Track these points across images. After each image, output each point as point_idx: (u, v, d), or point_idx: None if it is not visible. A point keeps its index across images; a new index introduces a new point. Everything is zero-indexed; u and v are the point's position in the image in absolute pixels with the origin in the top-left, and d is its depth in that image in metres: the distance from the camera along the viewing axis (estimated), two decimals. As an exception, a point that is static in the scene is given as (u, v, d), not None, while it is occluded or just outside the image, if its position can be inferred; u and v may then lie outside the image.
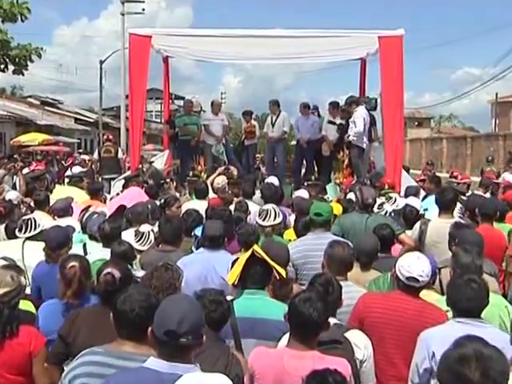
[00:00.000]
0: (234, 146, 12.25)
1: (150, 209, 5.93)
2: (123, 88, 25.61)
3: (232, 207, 6.41)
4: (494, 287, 4.03)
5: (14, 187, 9.43)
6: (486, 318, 3.14)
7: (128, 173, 9.62)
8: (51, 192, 8.06)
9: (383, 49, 9.03)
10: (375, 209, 5.97)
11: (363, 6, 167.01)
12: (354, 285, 3.94)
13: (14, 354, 3.10)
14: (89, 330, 3.11)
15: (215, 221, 4.77)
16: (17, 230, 5.03)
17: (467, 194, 7.92)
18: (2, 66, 16.78)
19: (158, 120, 43.30)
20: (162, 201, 6.71)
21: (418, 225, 5.45)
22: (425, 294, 3.70)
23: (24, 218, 5.23)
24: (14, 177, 10.13)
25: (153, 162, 10.59)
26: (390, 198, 6.76)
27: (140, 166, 9.56)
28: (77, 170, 12.69)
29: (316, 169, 11.45)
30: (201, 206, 6.31)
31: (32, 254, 4.66)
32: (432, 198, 7.19)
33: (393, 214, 6.29)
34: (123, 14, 28.87)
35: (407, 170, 10.78)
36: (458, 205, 5.84)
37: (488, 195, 8.29)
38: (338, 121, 10.46)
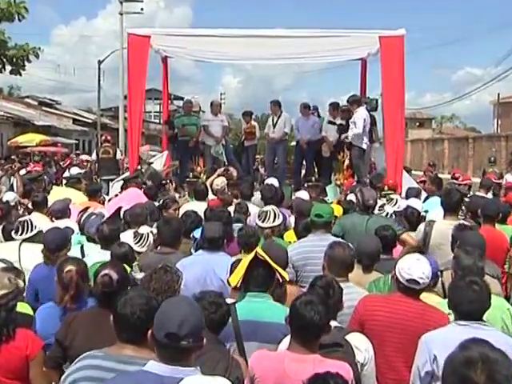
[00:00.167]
0: (234, 147, 12.24)
1: (148, 210, 5.93)
2: (122, 88, 25.60)
3: (232, 208, 6.41)
4: (497, 289, 4.03)
5: (11, 188, 9.44)
6: (488, 321, 3.14)
7: (127, 174, 9.61)
8: (49, 193, 8.05)
9: (384, 49, 9.04)
10: (376, 210, 5.98)
11: (364, 5, 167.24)
12: (355, 286, 3.94)
13: (11, 357, 3.10)
14: (86, 333, 3.10)
15: (214, 222, 4.77)
16: (13, 232, 5.03)
17: (468, 196, 7.93)
18: (0, 66, 16.78)
19: (157, 121, 43.28)
20: (160, 202, 6.72)
21: (422, 226, 5.43)
22: (426, 297, 3.70)
23: (20, 219, 5.22)
24: (12, 178, 10.15)
25: (152, 163, 10.58)
26: (391, 199, 6.76)
27: (139, 167, 9.56)
28: (75, 171, 12.69)
29: (316, 170, 11.46)
30: (200, 207, 6.31)
31: (29, 256, 4.66)
32: (433, 199, 7.21)
33: (394, 216, 6.30)
34: (122, 14, 28.86)
35: (409, 171, 10.79)
36: (459, 206, 5.84)
37: (489, 196, 8.29)
38: (338, 121, 10.47)
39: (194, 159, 10.35)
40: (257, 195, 7.39)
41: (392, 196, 7.01)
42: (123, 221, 5.69)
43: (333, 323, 3.01)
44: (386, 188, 7.95)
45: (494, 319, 3.41)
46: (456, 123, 67.18)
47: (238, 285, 3.39)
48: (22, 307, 3.56)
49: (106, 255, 4.37)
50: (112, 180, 9.97)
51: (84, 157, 19.08)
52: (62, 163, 18.87)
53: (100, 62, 33.80)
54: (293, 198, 7.97)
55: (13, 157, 17.06)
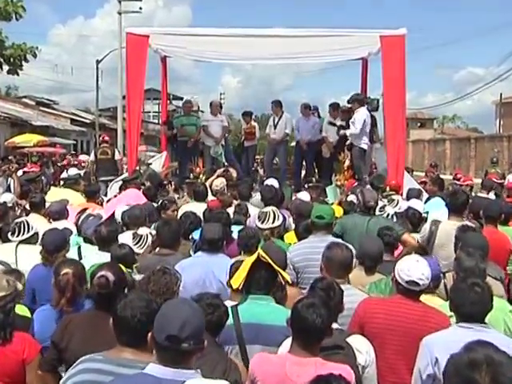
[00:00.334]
0: (234, 148, 12.24)
1: (147, 211, 5.93)
2: (120, 88, 25.60)
3: (231, 210, 6.41)
4: (500, 291, 4.02)
5: (8, 189, 9.43)
6: (490, 323, 3.14)
7: (125, 174, 9.61)
8: (46, 194, 8.05)
9: (385, 48, 9.05)
10: (377, 211, 5.98)
11: (364, 4, 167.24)
12: (354, 288, 3.94)
13: (7, 361, 3.09)
14: (82, 335, 3.09)
15: (214, 224, 4.76)
16: (9, 234, 5.03)
17: (470, 196, 7.91)
18: (-3, 66, 16.80)
19: (156, 121, 43.30)
20: (159, 203, 6.71)
21: (427, 225, 5.41)
22: (428, 299, 3.70)
23: (17, 220, 5.23)
24: (9, 179, 10.13)
25: (150, 163, 10.58)
26: (392, 200, 6.76)
27: (137, 167, 9.56)
28: (73, 171, 12.68)
29: (316, 171, 11.46)
30: (199, 208, 6.31)
31: (26, 258, 4.66)
32: (435, 200, 7.21)
33: (395, 217, 6.30)
34: (120, 13, 28.84)
35: (410, 172, 10.79)
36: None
37: (491, 196, 8.29)
38: (339, 122, 10.46)
39: (193, 160, 10.34)
40: (256, 196, 7.38)
41: (393, 197, 7.02)
42: (122, 222, 5.69)
43: (334, 325, 3.01)
44: (388, 189, 7.96)
45: (496, 321, 3.41)
46: (458, 123, 67.19)
47: (240, 287, 3.38)
48: (20, 309, 3.56)
49: (103, 257, 4.37)
50: (110, 181, 9.96)
51: (82, 157, 19.08)
52: (59, 164, 18.87)
53: (98, 62, 33.81)
54: (293, 198, 7.97)
55: (10, 157, 17.06)
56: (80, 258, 4.68)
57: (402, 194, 7.88)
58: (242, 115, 12.11)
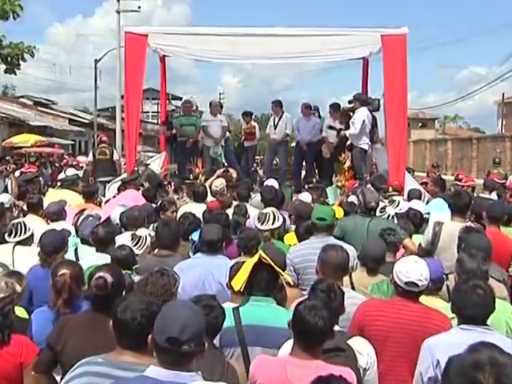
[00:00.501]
0: (234, 148, 12.23)
1: (145, 212, 5.93)
2: (119, 88, 25.52)
3: (231, 210, 6.41)
4: (503, 293, 4.02)
5: (5, 190, 9.42)
6: (492, 325, 3.14)
7: (124, 175, 9.61)
8: (44, 195, 8.05)
9: (386, 48, 9.05)
10: (377, 212, 5.98)
11: (365, 3, 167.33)
12: (352, 291, 3.93)
13: (5, 364, 3.09)
14: (79, 337, 3.08)
15: (213, 225, 4.75)
16: (6, 235, 5.03)
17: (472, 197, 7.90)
18: (-6, 65, 16.80)
19: (155, 121, 43.31)
20: (158, 204, 6.71)
21: (431, 226, 5.41)
22: (430, 301, 3.70)
23: (14, 221, 5.23)
24: (6, 179, 10.12)
25: (148, 164, 10.58)
26: (393, 201, 6.76)
27: (135, 168, 9.55)
28: (71, 172, 12.68)
29: (317, 171, 11.45)
30: (199, 209, 6.31)
31: (23, 259, 4.66)
32: (436, 201, 7.21)
33: (395, 218, 6.29)
34: (119, 12, 28.83)
35: (412, 173, 10.78)
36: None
37: (493, 196, 8.28)
38: (338, 126, 10.43)
39: (193, 160, 10.34)
40: (256, 197, 7.38)
41: (394, 198, 7.02)
42: (120, 223, 5.69)
43: (335, 327, 3.01)
44: (390, 189, 7.96)
45: (498, 323, 3.41)
46: (459, 123, 67.13)
47: (242, 289, 3.38)
48: (19, 311, 3.56)
49: (100, 258, 4.36)
50: (109, 181, 9.96)
51: (80, 158, 19.07)
52: (57, 164, 18.86)
53: (97, 61, 33.84)
54: (293, 199, 7.96)
55: (7, 158, 17.05)
56: (77, 259, 4.68)
57: (403, 195, 7.87)
58: (242, 115, 12.10)
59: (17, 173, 11.57)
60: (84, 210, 6.24)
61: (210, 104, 11.36)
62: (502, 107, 41.86)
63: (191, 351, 2.21)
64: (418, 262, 3.57)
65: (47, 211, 6.29)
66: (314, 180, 10.60)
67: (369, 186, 8.09)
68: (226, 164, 10.70)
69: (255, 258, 3.38)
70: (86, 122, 37.02)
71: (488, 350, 1.99)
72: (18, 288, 3.54)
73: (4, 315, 3.17)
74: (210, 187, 7.88)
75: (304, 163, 11.44)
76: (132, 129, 9.55)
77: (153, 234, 5.15)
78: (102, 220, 5.61)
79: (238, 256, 4.68)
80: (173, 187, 8.70)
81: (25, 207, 7.09)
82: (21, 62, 17.12)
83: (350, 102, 10.08)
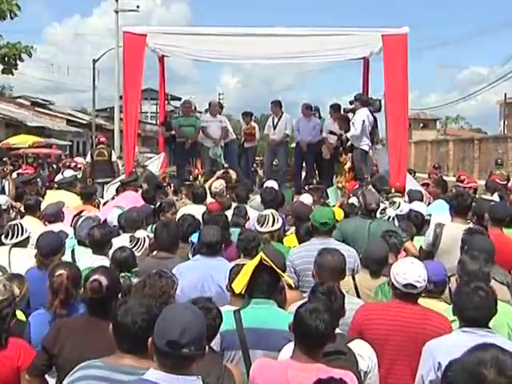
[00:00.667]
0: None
1: (144, 214, 5.93)
2: (117, 88, 25.61)
3: (231, 212, 6.41)
4: (506, 296, 4.01)
5: (2, 191, 9.41)
6: (493, 327, 3.14)
7: (122, 176, 9.61)
8: (42, 197, 8.05)
9: (387, 47, 9.05)
10: (378, 214, 5.98)
11: (365, 3, 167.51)
12: (350, 295, 3.93)
13: (2, 367, 3.09)
14: (76, 340, 3.07)
15: (212, 226, 4.75)
16: (3, 237, 5.02)
17: (474, 198, 7.90)
18: (-9, 66, 16.80)
19: (154, 121, 43.35)
20: (157, 206, 6.70)
21: (432, 228, 5.41)
22: (431, 304, 3.70)
23: (10, 223, 5.22)
24: (3, 180, 10.12)
25: (146, 165, 10.57)
26: (394, 202, 6.76)
27: (134, 169, 9.55)
28: (68, 173, 12.68)
29: (317, 172, 11.45)
30: (198, 210, 6.30)
31: (19, 261, 4.65)
32: (438, 202, 7.20)
33: (396, 219, 6.29)
34: (117, 12, 28.92)
35: (413, 174, 10.77)
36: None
37: (495, 197, 8.28)
38: (339, 131, 10.42)
39: (192, 161, 10.34)
40: (256, 199, 7.38)
41: (395, 199, 7.01)
42: (118, 225, 5.69)
43: (335, 330, 3.01)
44: (393, 190, 7.95)
45: (501, 325, 3.41)
46: (461, 124, 67.19)
47: (243, 291, 3.37)
48: (19, 314, 3.56)
49: (97, 260, 4.36)
50: (107, 183, 9.96)
51: (78, 159, 19.05)
52: (54, 166, 18.85)
53: (95, 61, 33.89)
54: (294, 200, 7.97)
55: (5, 159, 17.05)
56: (74, 261, 4.68)
57: (404, 196, 7.87)
58: (242, 116, 12.10)
59: (14, 174, 11.57)
60: (82, 211, 6.24)
61: (210, 104, 11.36)
62: (504, 107, 41.92)
63: (191, 355, 2.21)
64: (415, 263, 3.57)
65: (45, 213, 6.28)
66: (315, 181, 10.60)
67: (370, 187, 8.09)
68: (225, 165, 10.70)
69: (256, 260, 3.37)
70: (84, 122, 37.03)
71: (491, 350, 2.02)
72: (17, 291, 3.54)
73: (1, 318, 3.17)
74: (210, 188, 7.88)
75: (304, 164, 11.44)
76: (130, 129, 9.55)
77: (151, 235, 5.15)
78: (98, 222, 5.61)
79: (238, 258, 4.69)
80: (172, 188, 8.71)
81: (22, 209, 7.10)
82: (18, 62, 17.12)
83: (351, 103, 10.10)
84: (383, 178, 8.78)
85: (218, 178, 8.67)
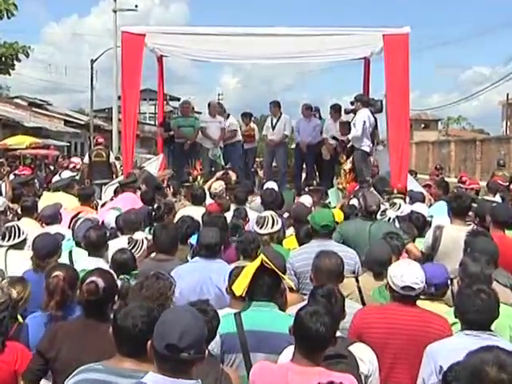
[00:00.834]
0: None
1: (142, 216, 5.93)
2: (115, 89, 25.64)
3: (230, 213, 6.40)
4: (509, 299, 3.99)
5: (-1, 193, 9.40)
6: (495, 329, 3.13)
7: (121, 178, 9.60)
8: (39, 198, 8.04)
9: (388, 47, 9.05)
10: (378, 215, 5.98)
11: (365, 3, 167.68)
12: (348, 299, 3.92)
13: (0, 371, 3.08)
14: (73, 344, 3.07)
15: (211, 228, 4.75)
16: (0, 238, 5.02)
17: (476, 200, 7.90)
18: (-12, 66, 16.80)
19: (152, 122, 43.31)
20: (156, 211, 6.66)
21: (431, 231, 5.41)
22: (432, 306, 3.70)
23: (7, 225, 5.21)
24: (0, 182, 10.11)
25: (143, 167, 10.56)
26: (394, 204, 6.75)
27: (132, 170, 9.54)
28: (66, 174, 12.67)
29: (317, 173, 11.44)
30: (197, 212, 6.30)
31: (15, 263, 4.65)
32: (439, 204, 7.20)
33: (397, 221, 6.29)
34: (115, 11, 28.93)
35: (414, 175, 10.76)
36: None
37: (497, 198, 8.28)
38: (341, 137, 10.40)
39: (191, 162, 10.34)
40: (256, 200, 7.38)
41: (395, 200, 7.01)
42: (116, 227, 5.69)
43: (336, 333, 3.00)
44: (395, 191, 7.95)
45: (503, 328, 3.41)
46: (463, 125, 67.15)
47: (244, 294, 3.37)
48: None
49: (92, 262, 4.35)
50: (105, 184, 9.96)
51: (75, 159, 19.04)
52: (51, 167, 18.84)
53: (93, 61, 33.86)
54: (295, 202, 7.96)
55: (1, 160, 17.01)
56: (71, 262, 4.67)
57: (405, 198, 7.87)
58: (241, 116, 12.10)
59: (11, 175, 11.56)
60: (80, 213, 6.23)
61: (209, 105, 11.35)
62: (506, 108, 41.93)
63: (191, 358, 2.20)
64: (412, 265, 3.58)
65: (42, 214, 6.28)
66: (315, 182, 10.60)
67: (372, 189, 8.09)
68: (226, 165, 10.69)
69: (257, 263, 3.37)
70: (82, 123, 36.99)
71: (495, 351, 2.07)
72: (14, 294, 3.53)
73: (-1, 321, 3.16)
74: (209, 189, 7.88)
75: (304, 165, 11.43)
76: (129, 130, 9.55)
77: (149, 237, 5.15)
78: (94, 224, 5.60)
79: (237, 260, 4.69)
80: (172, 190, 8.71)
81: (19, 210, 7.09)
82: (15, 62, 17.11)
83: (352, 104, 10.09)
84: (384, 180, 8.78)
85: (217, 179, 8.67)
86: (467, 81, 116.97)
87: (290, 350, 2.90)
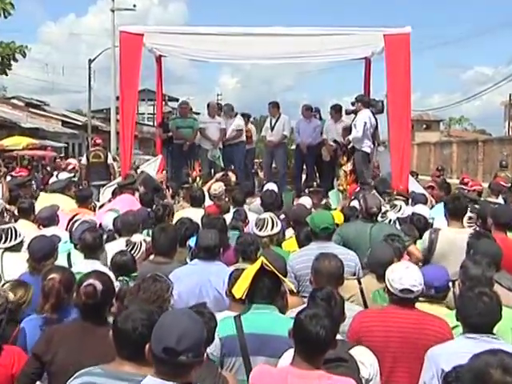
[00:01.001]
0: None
1: (140, 218, 5.93)
2: (114, 89, 25.64)
3: (230, 215, 6.40)
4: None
5: (-4, 194, 9.39)
6: (497, 332, 3.13)
7: (119, 179, 9.60)
8: (36, 199, 8.04)
9: (389, 47, 9.06)
10: (379, 217, 5.98)
11: (366, 3, 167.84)
12: (347, 302, 3.93)
13: (-3, 375, 3.08)
14: (70, 347, 3.06)
15: (210, 230, 4.74)
16: (-4, 240, 5.00)
17: (479, 201, 7.90)
18: (-16, 66, 16.78)
19: (151, 123, 43.34)
20: (155, 209, 6.67)
21: (427, 234, 5.43)
22: (432, 309, 3.69)
23: (3, 227, 5.20)
24: (-3, 183, 10.09)
25: (138, 167, 10.55)
26: (395, 205, 6.76)
27: (130, 172, 9.53)
28: (63, 176, 12.67)
29: (317, 175, 11.44)
30: (196, 214, 6.30)
31: (12, 266, 4.64)
32: (440, 205, 7.20)
33: (398, 223, 6.29)
34: (113, 11, 28.95)
35: (416, 176, 10.76)
36: (468, 213, 5.84)
37: (500, 200, 8.28)
38: (342, 141, 10.39)
39: (190, 163, 10.33)
40: (256, 201, 7.38)
41: (396, 202, 7.01)
42: (114, 229, 5.68)
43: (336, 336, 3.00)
44: (395, 193, 7.95)
45: (505, 331, 3.40)
46: (465, 125, 67.15)
47: (243, 296, 3.36)
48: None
49: (88, 264, 4.35)
50: (103, 185, 9.95)
51: (71, 160, 19.04)
52: (48, 168, 18.84)
53: (91, 61, 33.88)
54: (295, 203, 7.96)
55: (-2, 161, 17.02)
56: (70, 265, 4.67)
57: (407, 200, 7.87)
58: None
59: (7, 177, 11.55)
60: (77, 214, 6.23)
61: (208, 105, 11.34)
62: (508, 109, 41.96)
63: (189, 362, 2.19)
64: (410, 267, 3.58)
65: (39, 216, 6.27)
66: (315, 184, 10.60)
67: (374, 191, 8.09)
68: (228, 166, 10.68)
69: (257, 265, 3.36)
70: (80, 124, 37.00)
71: (499, 354, 2.09)
72: (11, 297, 3.53)
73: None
74: (209, 191, 7.87)
75: (304, 166, 11.43)
76: (127, 131, 9.55)
77: (148, 239, 5.14)
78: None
79: (236, 262, 4.68)
80: (171, 192, 8.71)
81: (16, 212, 7.09)
82: (12, 62, 17.08)
83: (352, 104, 10.09)
84: (385, 181, 8.78)
85: (217, 181, 8.67)
86: (469, 81, 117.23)
87: (290, 354, 2.90)
